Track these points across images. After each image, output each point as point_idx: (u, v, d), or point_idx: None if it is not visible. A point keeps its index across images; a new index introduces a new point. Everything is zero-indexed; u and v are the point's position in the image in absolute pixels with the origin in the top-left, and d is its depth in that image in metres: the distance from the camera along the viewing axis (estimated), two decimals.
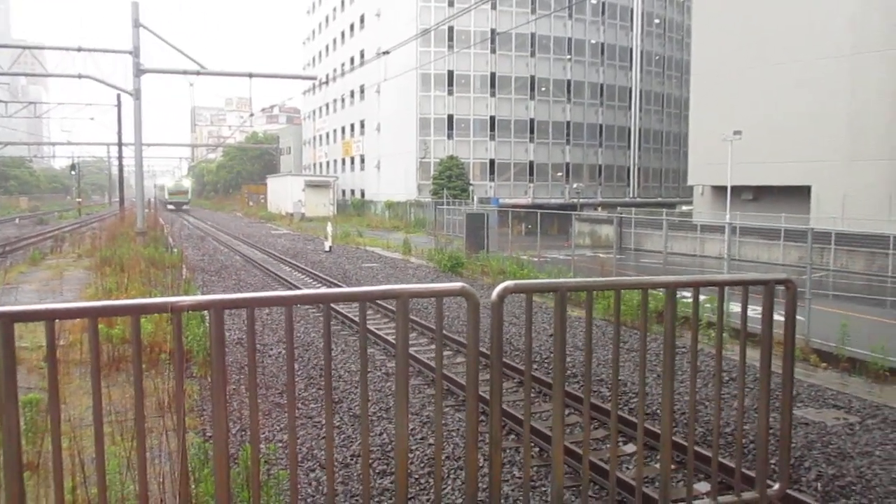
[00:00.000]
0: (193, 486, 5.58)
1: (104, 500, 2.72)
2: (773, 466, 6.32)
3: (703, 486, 6.39)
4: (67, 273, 20.00)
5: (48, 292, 16.42)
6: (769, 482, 3.79)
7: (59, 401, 2.63)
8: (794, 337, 3.72)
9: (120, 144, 42.12)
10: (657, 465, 5.47)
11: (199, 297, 2.85)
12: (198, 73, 24.04)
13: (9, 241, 33.10)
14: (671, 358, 3.54)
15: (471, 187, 60.60)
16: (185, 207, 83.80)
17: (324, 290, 3.09)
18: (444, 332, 14.25)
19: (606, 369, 11.05)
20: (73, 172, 71.55)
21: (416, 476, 7.38)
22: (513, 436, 8.28)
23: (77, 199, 75.89)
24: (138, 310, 2.81)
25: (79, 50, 24.43)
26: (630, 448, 7.88)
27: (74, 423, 6.69)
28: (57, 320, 2.60)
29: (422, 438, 8.42)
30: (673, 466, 6.69)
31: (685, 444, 6.48)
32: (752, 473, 3.86)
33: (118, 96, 38.69)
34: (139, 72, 23.20)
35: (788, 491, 5.87)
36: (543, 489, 6.86)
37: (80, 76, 24.63)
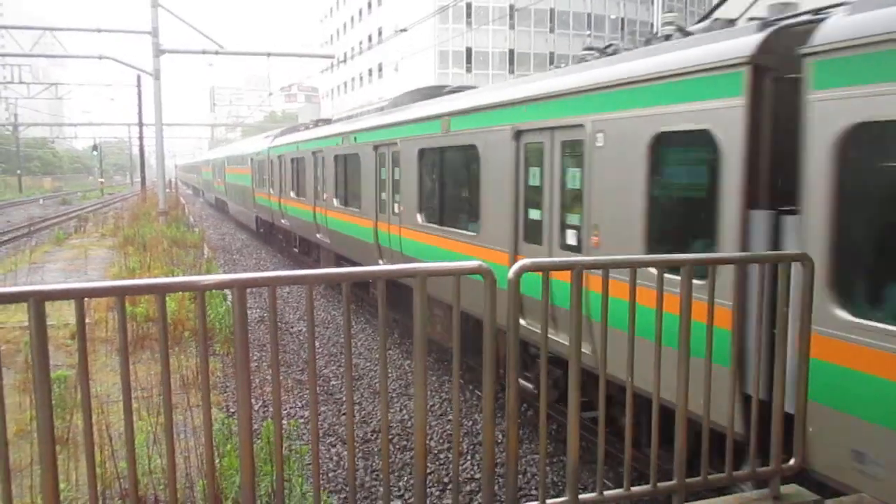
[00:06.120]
0: (217, 461, 5.72)
1: (133, 472, 2.81)
2: None
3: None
4: (91, 252, 20.30)
5: (73, 271, 16.69)
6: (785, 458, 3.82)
7: (89, 377, 2.72)
8: (810, 314, 3.72)
9: (140, 124, 42.38)
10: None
11: (222, 276, 2.92)
12: (216, 53, 24.07)
13: (33, 221, 33.59)
14: (686, 335, 3.56)
15: None
16: None
17: (344, 269, 3.16)
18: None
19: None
20: (94, 153, 72.12)
21: (436, 451, 7.49)
22: (531, 412, 8.36)
23: (100, 180, 76.63)
24: (164, 289, 2.88)
25: (99, 31, 24.57)
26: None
27: (101, 400, 6.85)
28: (85, 299, 2.68)
29: (441, 414, 8.53)
30: None
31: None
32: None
33: (138, 77, 38.86)
34: (158, 52, 23.27)
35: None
36: (561, 463, 6.94)
37: (100, 57, 24.73)
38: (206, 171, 49.75)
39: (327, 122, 18.14)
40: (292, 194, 18.57)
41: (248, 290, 2.84)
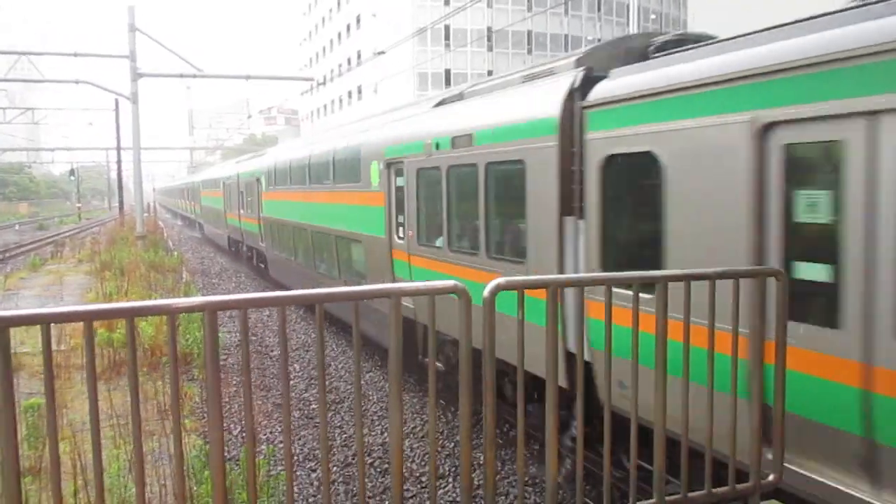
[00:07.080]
0: (196, 487, 5.62)
1: (101, 502, 2.75)
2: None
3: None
4: (68, 278, 20.03)
5: (48, 297, 16.46)
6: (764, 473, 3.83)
7: (56, 404, 2.66)
8: (785, 328, 3.74)
9: (119, 149, 42.11)
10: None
11: (193, 299, 2.89)
12: (195, 76, 24.02)
13: (8, 247, 33.13)
14: (663, 353, 3.56)
15: None
16: None
17: (317, 290, 3.12)
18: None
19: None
20: (72, 178, 71.44)
21: (418, 474, 7.42)
22: (512, 432, 8.31)
23: (77, 205, 75.90)
24: (133, 312, 2.84)
25: (75, 55, 24.40)
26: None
27: (77, 428, 6.73)
28: (53, 324, 2.63)
29: (423, 437, 8.46)
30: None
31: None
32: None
33: (116, 101, 38.67)
34: (136, 76, 23.17)
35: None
36: (541, 484, 6.89)
37: (77, 81, 24.56)
38: (209, 196, 33.47)
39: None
40: None
41: (228, 314, 2.80)
